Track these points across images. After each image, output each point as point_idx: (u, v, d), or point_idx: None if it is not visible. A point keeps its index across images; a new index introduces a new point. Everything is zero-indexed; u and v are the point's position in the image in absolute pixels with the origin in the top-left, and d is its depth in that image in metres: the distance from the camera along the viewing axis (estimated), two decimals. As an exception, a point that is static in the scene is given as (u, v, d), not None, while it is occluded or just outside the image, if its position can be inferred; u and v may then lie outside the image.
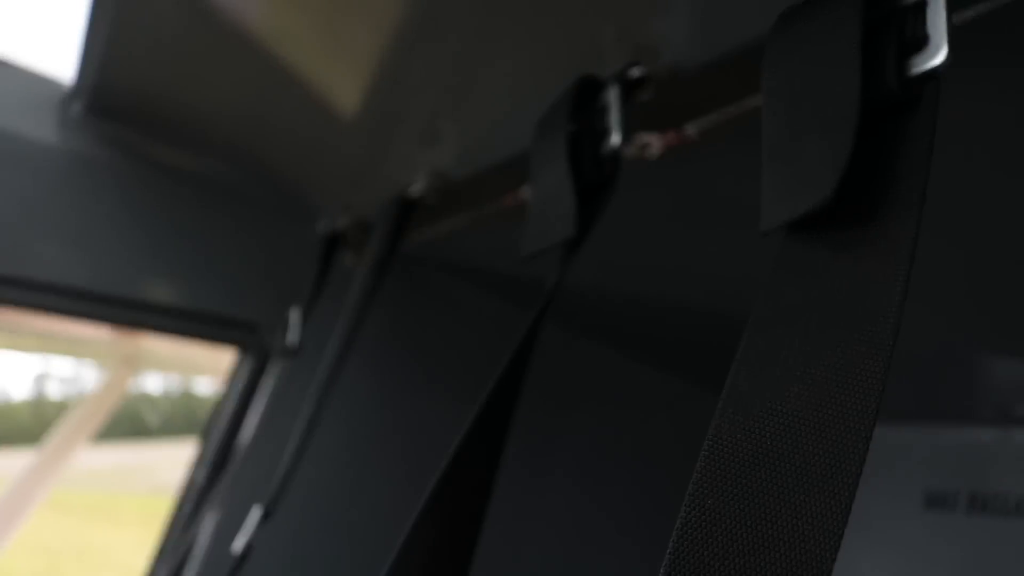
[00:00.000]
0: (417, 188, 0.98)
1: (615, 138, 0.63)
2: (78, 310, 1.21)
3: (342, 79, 0.85)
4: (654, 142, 0.73)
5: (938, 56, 0.40)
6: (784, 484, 0.35)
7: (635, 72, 0.64)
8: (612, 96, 0.63)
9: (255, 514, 0.92)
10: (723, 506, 0.35)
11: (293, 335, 1.11)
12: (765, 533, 0.34)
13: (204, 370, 2.86)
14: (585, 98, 0.64)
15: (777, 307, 0.39)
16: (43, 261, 1.17)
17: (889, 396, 1.21)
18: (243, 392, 1.25)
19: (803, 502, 0.34)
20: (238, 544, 0.92)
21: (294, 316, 1.12)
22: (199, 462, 1.26)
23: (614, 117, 0.63)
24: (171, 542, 1.25)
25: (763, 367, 0.37)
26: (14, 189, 1.15)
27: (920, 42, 0.40)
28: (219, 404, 1.29)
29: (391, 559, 0.52)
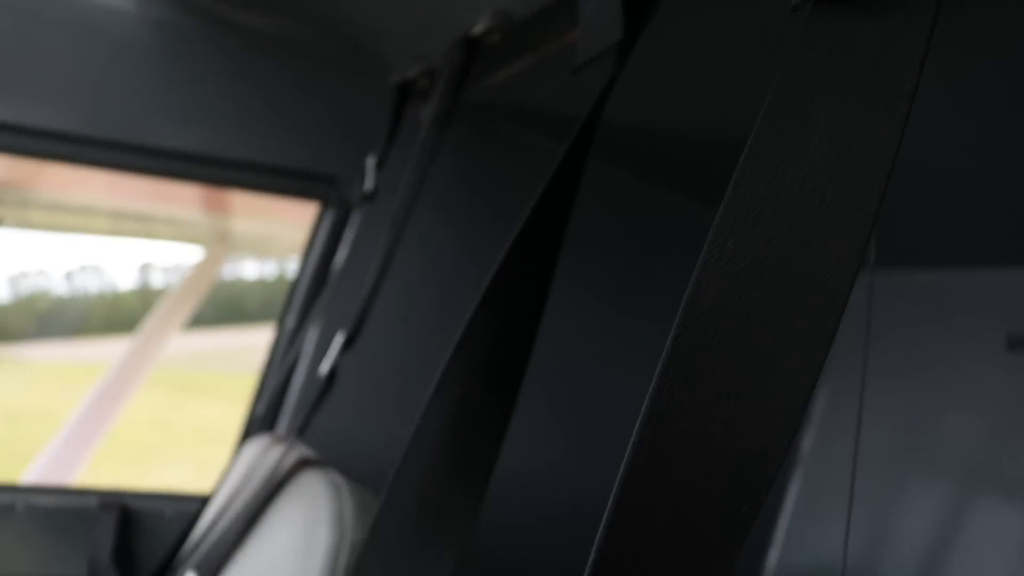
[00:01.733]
0: (480, 28, 1.00)
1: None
2: (171, 170, 1.29)
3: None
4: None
5: None
6: (802, 226, 0.37)
7: None
8: None
9: (338, 341, 1.00)
10: (743, 245, 0.37)
11: (369, 182, 1.16)
12: (783, 269, 0.37)
13: (292, 249, 2.97)
14: None
15: (801, 71, 0.41)
16: (133, 125, 1.25)
17: (970, 238, 1.21)
18: (326, 241, 1.32)
19: (820, 242, 0.37)
20: (324, 367, 1.01)
21: (370, 164, 1.17)
22: (290, 306, 1.36)
23: None
24: (272, 370, 1.37)
25: (787, 119, 0.39)
26: (97, 56, 1.21)
27: None
28: (305, 254, 1.37)
29: (448, 355, 0.56)
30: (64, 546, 1.32)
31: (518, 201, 0.59)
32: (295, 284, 1.38)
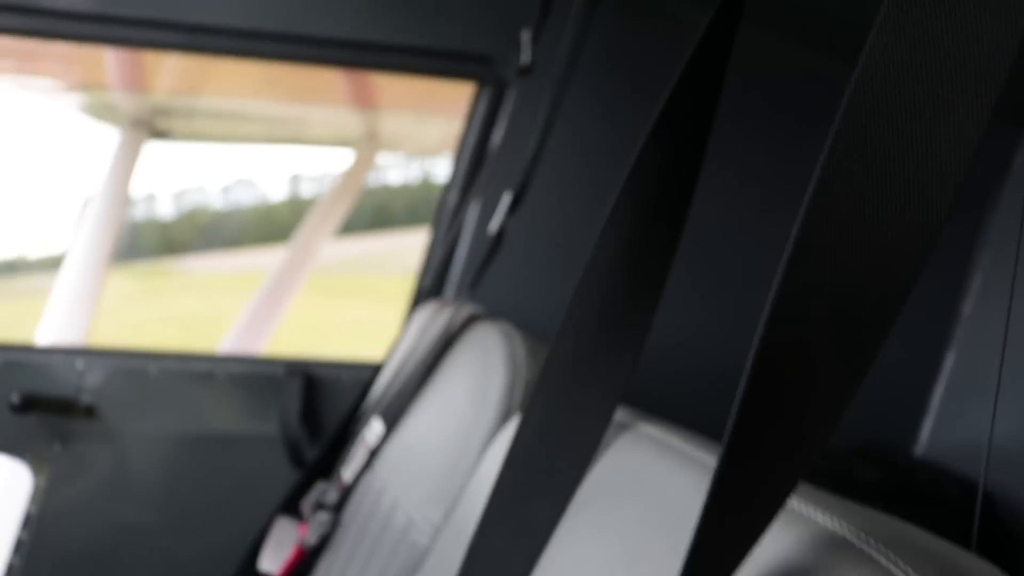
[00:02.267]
0: None
1: None
2: (326, 57, 1.36)
3: None
4: None
5: None
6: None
7: None
8: None
9: (505, 201, 1.06)
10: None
11: (525, 56, 1.20)
12: (944, 59, 0.37)
13: (437, 148, 3.04)
14: None
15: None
16: (286, 15, 1.32)
17: None
18: (484, 120, 1.38)
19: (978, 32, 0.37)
20: (493, 226, 1.07)
21: (525, 38, 1.20)
22: (452, 181, 1.44)
23: None
24: (437, 243, 1.46)
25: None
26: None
27: None
28: (463, 133, 1.43)
29: (619, 187, 0.60)
30: (258, 407, 1.47)
31: (672, 68, 0.60)
32: (456, 161, 1.45)
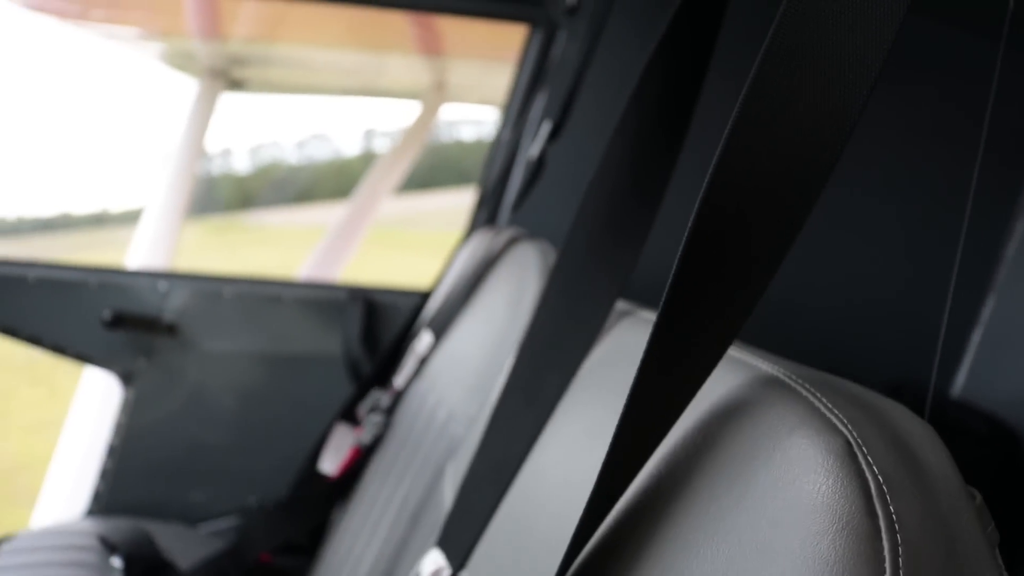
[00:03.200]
0: None
1: None
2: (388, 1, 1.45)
3: None
4: None
5: None
6: None
7: None
8: None
9: (545, 128, 1.14)
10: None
11: None
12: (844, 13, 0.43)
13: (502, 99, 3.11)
14: None
15: None
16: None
17: None
18: (535, 60, 1.46)
19: None
20: (533, 151, 1.15)
21: None
22: (507, 116, 1.52)
23: None
24: (489, 177, 1.55)
25: None
26: None
27: None
28: (515, 76, 1.51)
29: (627, 97, 0.67)
30: (321, 329, 1.60)
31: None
32: (509, 98, 1.53)
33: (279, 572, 1.31)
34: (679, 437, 0.44)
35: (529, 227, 1.29)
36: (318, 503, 1.25)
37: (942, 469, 0.36)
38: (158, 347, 1.60)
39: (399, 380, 1.20)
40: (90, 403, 1.88)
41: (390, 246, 8.28)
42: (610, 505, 0.43)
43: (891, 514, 0.33)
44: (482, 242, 1.26)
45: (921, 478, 0.35)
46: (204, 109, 2.62)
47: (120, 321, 1.54)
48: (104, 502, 1.63)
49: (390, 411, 1.19)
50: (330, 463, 1.30)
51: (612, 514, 0.46)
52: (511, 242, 1.14)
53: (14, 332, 1.57)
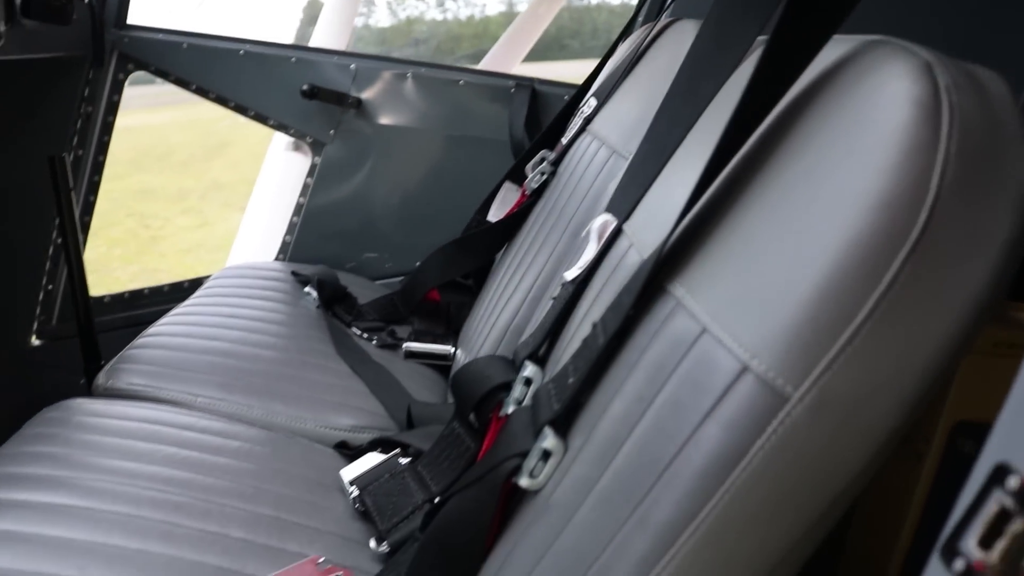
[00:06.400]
0: None
1: None
2: None
3: None
4: None
5: None
6: None
7: None
8: None
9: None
10: None
11: None
12: None
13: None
14: None
15: None
16: None
17: None
18: None
19: None
20: None
21: None
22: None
23: None
24: None
25: None
26: None
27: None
28: None
29: None
30: (492, 112, 1.79)
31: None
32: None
33: (445, 307, 1.54)
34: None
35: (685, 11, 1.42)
36: (485, 243, 1.46)
37: (1006, 103, 0.46)
38: (346, 120, 1.83)
39: (566, 138, 1.38)
40: (277, 169, 2.16)
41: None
42: (743, 139, 0.55)
43: (952, 105, 0.43)
44: (642, 32, 1.40)
45: (985, 95, 0.45)
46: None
47: (315, 93, 1.77)
48: (290, 252, 1.90)
49: (556, 163, 1.37)
50: (495, 214, 1.51)
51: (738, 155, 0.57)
52: (669, 24, 1.28)
53: (225, 100, 1.81)
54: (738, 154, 0.57)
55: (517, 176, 1.50)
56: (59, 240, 1.79)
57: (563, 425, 0.65)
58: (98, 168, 1.78)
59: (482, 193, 1.65)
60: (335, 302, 1.52)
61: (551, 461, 0.65)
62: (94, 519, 0.83)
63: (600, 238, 0.83)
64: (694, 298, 0.55)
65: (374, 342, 1.41)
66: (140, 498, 0.87)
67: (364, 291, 1.64)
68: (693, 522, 0.47)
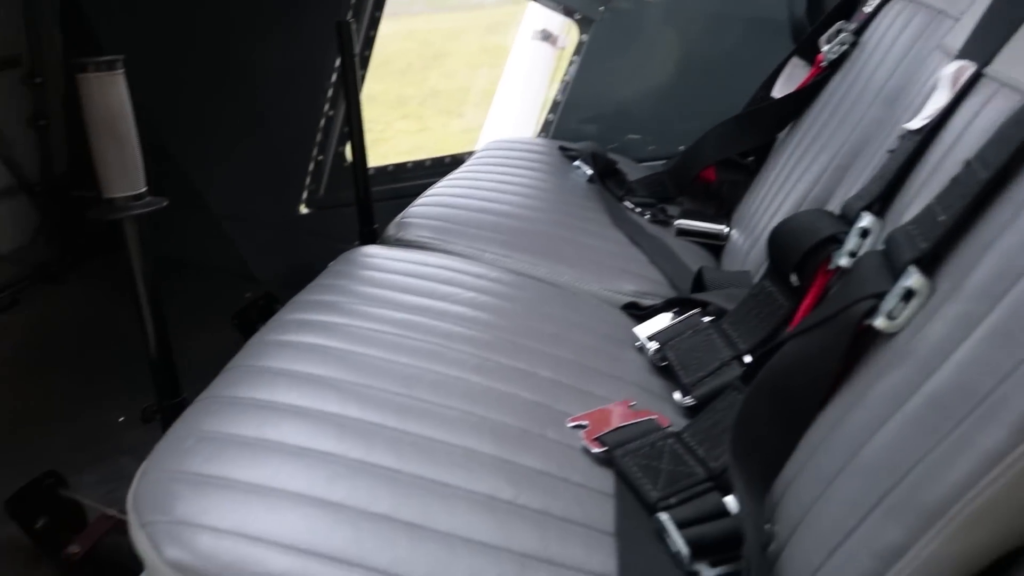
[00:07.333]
0: None
1: None
2: None
3: None
4: None
5: None
6: None
7: None
8: None
9: None
10: None
11: None
12: None
13: None
14: None
15: None
16: None
17: None
18: None
19: None
20: None
21: None
22: None
23: None
24: None
25: None
26: None
27: None
28: None
29: None
30: None
31: None
32: None
33: (718, 186, 1.48)
34: None
35: None
36: (770, 119, 1.38)
37: None
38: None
39: (868, 7, 1.27)
40: (525, 58, 2.16)
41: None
42: None
43: None
44: None
45: None
46: None
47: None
48: (553, 131, 1.89)
49: (858, 32, 1.26)
50: (781, 90, 1.42)
51: None
52: None
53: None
54: None
55: (806, 51, 1.39)
56: (330, 112, 1.87)
57: (930, 265, 0.60)
58: (369, 42, 1.83)
59: (752, 78, 1.55)
60: (606, 176, 1.50)
61: (913, 302, 0.60)
62: (418, 350, 0.85)
63: (954, 84, 0.77)
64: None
65: (647, 216, 1.39)
66: (451, 333, 0.90)
67: (630, 170, 1.61)
68: None
